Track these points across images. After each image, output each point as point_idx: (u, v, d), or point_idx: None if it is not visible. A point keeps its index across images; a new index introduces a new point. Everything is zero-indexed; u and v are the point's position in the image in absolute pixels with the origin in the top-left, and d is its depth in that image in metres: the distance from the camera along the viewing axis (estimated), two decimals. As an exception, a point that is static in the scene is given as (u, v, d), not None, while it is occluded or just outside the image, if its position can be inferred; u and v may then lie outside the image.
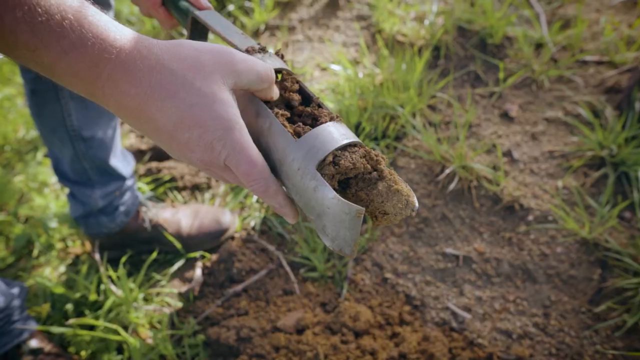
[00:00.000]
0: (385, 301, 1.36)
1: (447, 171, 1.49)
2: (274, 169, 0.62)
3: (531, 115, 1.65)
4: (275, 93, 0.63)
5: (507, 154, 1.56)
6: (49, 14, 0.45)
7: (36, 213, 1.73)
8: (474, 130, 1.64)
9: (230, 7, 2.34)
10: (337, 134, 0.60)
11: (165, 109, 0.52)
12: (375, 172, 0.60)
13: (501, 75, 1.70)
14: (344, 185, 0.63)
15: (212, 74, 0.53)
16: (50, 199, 1.76)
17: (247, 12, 2.37)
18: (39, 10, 0.45)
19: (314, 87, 1.88)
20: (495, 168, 1.52)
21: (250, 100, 0.63)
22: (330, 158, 0.59)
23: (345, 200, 0.56)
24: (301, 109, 0.66)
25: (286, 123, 0.62)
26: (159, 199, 1.72)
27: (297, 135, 0.61)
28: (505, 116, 1.66)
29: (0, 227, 1.73)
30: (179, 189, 1.76)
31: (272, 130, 0.61)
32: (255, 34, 2.27)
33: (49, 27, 0.45)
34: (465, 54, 1.86)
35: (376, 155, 0.61)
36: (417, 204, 0.61)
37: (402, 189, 0.60)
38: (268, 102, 0.66)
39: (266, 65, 0.60)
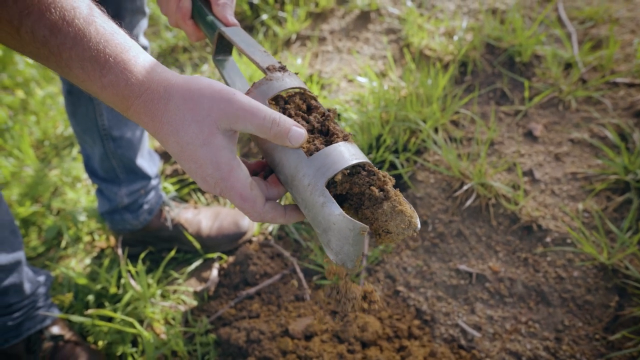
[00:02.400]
0: (395, 314, 1.36)
1: (465, 187, 1.48)
2: (286, 182, 0.65)
3: (556, 136, 1.63)
4: (290, 146, 0.63)
5: (529, 173, 1.54)
6: (96, 56, 0.56)
7: (68, 206, 1.81)
8: (496, 147, 1.63)
9: (264, 17, 2.40)
10: (347, 153, 0.63)
11: (170, 142, 0.61)
12: (381, 192, 0.63)
13: (526, 93, 1.69)
14: (353, 204, 0.66)
15: (206, 118, 0.60)
16: (82, 193, 1.84)
17: (280, 21, 2.43)
18: (90, 52, 0.56)
19: (340, 97, 1.91)
20: (515, 187, 1.51)
21: None
22: (339, 176, 0.62)
23: (350, 218, 0.59)
24: (316, 122, 0.69)
25: None
26: (182, 199, 1.78)
27: (310, 153, 0.64)
28: (529, 135, 1.64)
29: (34, 218, 1.82)
30: (203, 191, 1.82)
31: (286, 146, 0.64)
32: (287, 43, 2.32)
33: (94, 65, 0.56)
34: (492, 71, 1.85)
35: (384, 176, 0.64)
36: (419, 225, 0.64)
37: (406, 210, 0.63)
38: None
39: (270, 117, 0.61)
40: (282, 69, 0.71)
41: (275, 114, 0.62)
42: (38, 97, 2.35)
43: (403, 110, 1.65)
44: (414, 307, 1.36)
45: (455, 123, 1.73)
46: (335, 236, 0.60)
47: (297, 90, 0.72)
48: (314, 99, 0.72)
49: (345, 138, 0.66)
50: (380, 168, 1.62)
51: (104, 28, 0.57)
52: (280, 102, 0.70)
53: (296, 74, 0.73)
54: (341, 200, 0.67)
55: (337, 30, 2.32)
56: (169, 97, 0.60)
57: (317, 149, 0.64)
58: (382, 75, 1.98)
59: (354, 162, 0.62)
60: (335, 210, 0.59)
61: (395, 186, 1.62)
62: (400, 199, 0.63)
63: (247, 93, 0.69)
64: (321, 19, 2.41)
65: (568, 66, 1.80)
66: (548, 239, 1.39)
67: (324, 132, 0.69)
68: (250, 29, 2.48)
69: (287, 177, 0.65)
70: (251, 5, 2.53)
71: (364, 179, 0.64)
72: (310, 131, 0.68)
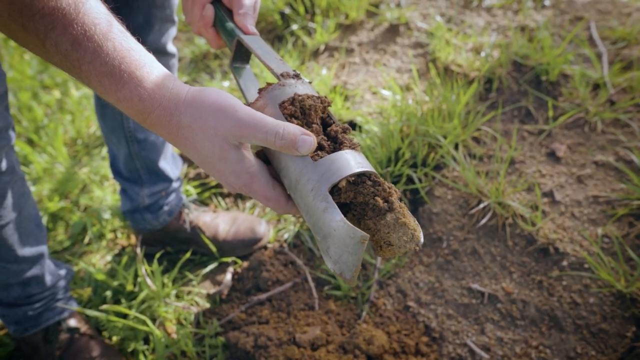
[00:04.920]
0: (404, 329, 1.35)
1: (482, 205, 1.46)
2: (290, 187, 0.66)
3: (579, 157, 1.59)
4: (299, 155, 0.63)
5: (549, 194, 1.51)
6: (112, 71, 0.59)
7: (94, 204, 1.88)
8: (516, 166, 1.60)
9: (294, 27, 2.44)
10: (353, 161, 0.63)
11: (191, 154, 0.65)
12: (386, 203, 0.63)
13: (550, 113, 1.66)
14: (357, 214, 0.66)
15: (214, 136, 0.62)
16: (108, 192, 1.91)
17: (310, 32, 2.46)
18: (107, 67, 0.59)
19: (362, 109, 1.92)
20: (533, 208, 1.48)
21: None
22: (344, 183, 0.62)
23: (351, 225, 0.58)
24: (327, 130, 0.70)
25: None
26: (203, 203, 1.82)
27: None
28: (552, 155, 1.61)
29: (62, 213, 1.90)
30: (223, 195, 1.85)
31: None
32: (315, 53, 2.35)
33: (111, 80, 0.60)
34: (518, 88, 1.83)
35: (389, 188, 0.64)
36: (422, 239, 0.63)
37: (409, 223, 0.62)
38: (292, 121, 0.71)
39: (273, 130, 0.61)
40: (296, 76, 0.72)
41: (278, 125, 0.62)
42: (75, 97, 2.45)
43: (424, 124, 1.65)
44: (423, 323, 1.35)
45: (476, 140, 1.71)
46: (335, 243, 0.59)
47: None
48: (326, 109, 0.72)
49: (352, 147, 0.66)
50: (397, 182, 1.62)
51: (121, 45, 0.60)
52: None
53: (309, 82, 0.74)
54: (345, 209, 0.66)
55: (365, 42, 2.33)
56: (180, 113, 0.62)
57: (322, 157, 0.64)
58: (407, 89, 1.98)
59: (359, 170, 0.62)
60: (336, 216, 0.59)
61: (411, 201, 1.62)
62: (404, 212, 0.63)
63: (259, 97, 0.70)
64: (350, 30, 2.43)
65: (596, 87, 1.76)
66: (565, 263, 1.36)
67: (331, 140, 0.69)
68: (280, 39, 2.52)
69: (292, 182, 0.65)
70: (282, 15, 2.58)
71: (368, 188, 0.63)
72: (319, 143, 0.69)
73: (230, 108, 0.62)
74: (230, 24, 0.85)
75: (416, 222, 0.63)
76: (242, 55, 0.87)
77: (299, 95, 0.68)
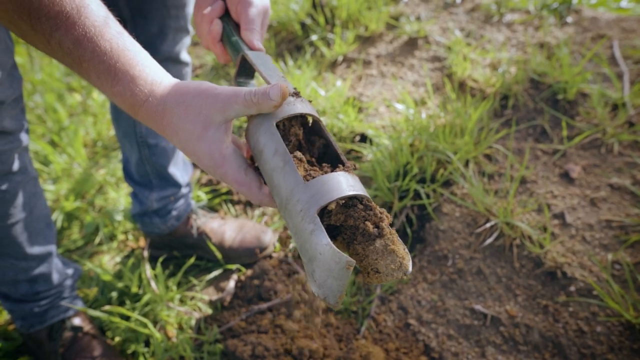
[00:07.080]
0: (402, 347, 1.33)
1: (489, 224, 1.43)
2: (281, 206, 0.66)
3: (594, 179, 1.55)
4: (275, 104, 0.67)
5: (560, 216, 1.47)
6: (108, 69, 0.65)
7: (108, 205, 1.92)
8: (528, 186, 1.57)
9: (314, 37, 2.45)
10: (345, 184, 0.62)
11: (174, 141, 0.70)
12: (376, 229, 0.62)
13: (564, 132, 1.62)
14: (347, 238, 0.65)
15: (198, 116, 0.67)
16: (123, 194, 1.95)
17: (329, 43, 2.47)
18: (104, 65, 0.65)
19: (376, 122, 1.92)
20: (541, 229, 1.44)
21: (270, 137, 0.67)
22: (333, 206, 0.61)
23: (338, 250, 0.57)
24: (317, 151, 0.71)
25: (300, 165, 0.66)
26: (213, 209, 1.84)
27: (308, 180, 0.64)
28: (566, 176, 1.57)
29: (77, 213, 1.94)
30: (234, 202, 1.87)
31: (286, 170, 0.64)
32: (333, 64, 2.36)
33: (107, 77, 0.66)
34: (534, 106, 1.79)
35: (380, 213, 0.63)
36: (410, 269, 0.61)
37: (398, 251, 0.61)
38: (288, 141, 0.71)
39: (248, 92, 0.66)
40: (296, 94, 0.72)
41: (251, 89, 0.67)
42: (98, 100, 2.52)
43: (435, 140, 1.63)
44: (423, 342, 1.33)
45: (489, 157, 1.68)
46: (320, 267, 0.58)
47: (309, 117, 0.73)
48: (322, 129, 0.73)
49: (346, 169, 0.65)
50: (404, 197, 1.60)
51: (117, 45, 0.66)
52: (285, 129, 0.72)
53: (310, 101, 0.74)
54: (335, 232, 0.66)
55: (383, 54, 2.33)
56: (165, 103, 0.68)
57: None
58: (422, 102, 1.97)
59: (350, 193, 0.61)
60: (322, 240, 0.58)
61: (418, 217, 1.60)
62: (394, 239, 0.62)
63: (257, 114, 0.70)
64: (369, 42, 2.43)
65: (615, 107, 1.71)
66: (572, 288, 1.32)
67: (325, 159, 0.69)
68: (299, 49, 2.54)
69: (282, 201, 0.64)
70: (303, 25, 2.60)
71: (359, 212, 0.62)
72: (310, 162, 0.69)
73: (210, 89, 0.68)
74: (236, 39, 0.86)
75: (406, 250, 0.62)
76: (246, 70, 0.87)
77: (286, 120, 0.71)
